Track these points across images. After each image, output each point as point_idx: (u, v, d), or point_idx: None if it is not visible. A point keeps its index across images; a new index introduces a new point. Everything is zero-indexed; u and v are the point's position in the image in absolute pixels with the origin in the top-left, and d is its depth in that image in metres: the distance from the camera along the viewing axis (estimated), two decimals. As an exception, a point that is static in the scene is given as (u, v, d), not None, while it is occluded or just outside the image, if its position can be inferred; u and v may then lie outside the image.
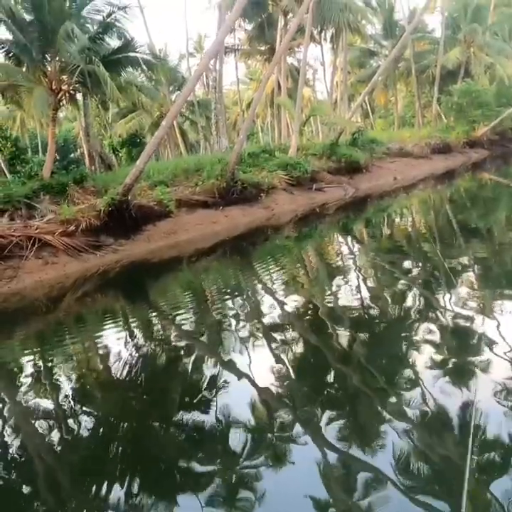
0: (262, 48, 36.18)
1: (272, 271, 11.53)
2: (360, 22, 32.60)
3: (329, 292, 9.38)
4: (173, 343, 7.74)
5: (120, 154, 38.97)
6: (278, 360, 6.38)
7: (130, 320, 9.37)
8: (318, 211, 18.35)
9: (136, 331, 8.68)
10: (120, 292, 11.45)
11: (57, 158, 31.95)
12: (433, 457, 4.13)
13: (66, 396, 6.23)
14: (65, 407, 5.95)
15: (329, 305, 8.56)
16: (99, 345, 7.95)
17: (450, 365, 5.64)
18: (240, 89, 44.04)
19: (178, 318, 8.84)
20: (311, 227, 16.72)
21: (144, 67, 17.45)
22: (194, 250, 14.19)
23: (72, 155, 39.79)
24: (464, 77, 35.06)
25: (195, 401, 5.61)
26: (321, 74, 69.72)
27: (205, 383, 6.00)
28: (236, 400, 5.42)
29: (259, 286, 10.45)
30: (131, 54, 17.63)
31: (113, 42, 18.12)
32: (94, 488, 4.36)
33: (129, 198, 13.47)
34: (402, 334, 6.80)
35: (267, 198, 17.81)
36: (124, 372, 6.67)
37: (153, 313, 9.62)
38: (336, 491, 3.88)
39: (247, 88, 48.43)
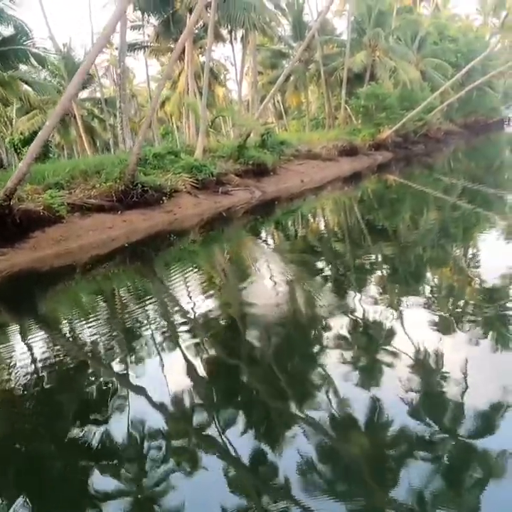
0: (172, 46, 35.29)
1: (174, 277, 10.95)
2: (269, 23, 32.54)
3: (238, 296, 9.05)
4: (67, 358, 7.01)
5: (23, 153, 36.70)
6: (186, 368, 6.10)
7: (12, 336, 8.42)
8: (225, 215, 17.88)
9: (19, 348, 7.72)
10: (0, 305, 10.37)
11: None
12: (341, 458, 4.22)
13: None
14: None
15: (239, 309, 8.29)
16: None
17: (359, 364, 5.68)
18: (151, 88, 42.78)
19: (69, 331, 8.17)
20: (217, 231, 16.23)
21: (34, 61, 16.18)
22: (89, 258, 13.26)
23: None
24: (370, 81, 35.96)
25: (97, 416, 5.28)
26: (234, 74, 69.47)
27: (106, 397, 5.64)
28: (142, 411, 5.20)
29: (162, 293, 9.86)
30: (21, 47, 16.32)
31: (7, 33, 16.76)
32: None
33: (12, 202, 12.33)
34: (313, 335, 6.82)
35: (170, 202, 17.08)
36: (12, 391, 6.02)
37: (40, 328, 8.68)
38: (250, 496, 3.91)
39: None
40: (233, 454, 4.31)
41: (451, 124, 50.60)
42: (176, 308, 8.65)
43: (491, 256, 9.66)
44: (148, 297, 9.69)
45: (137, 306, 9.03)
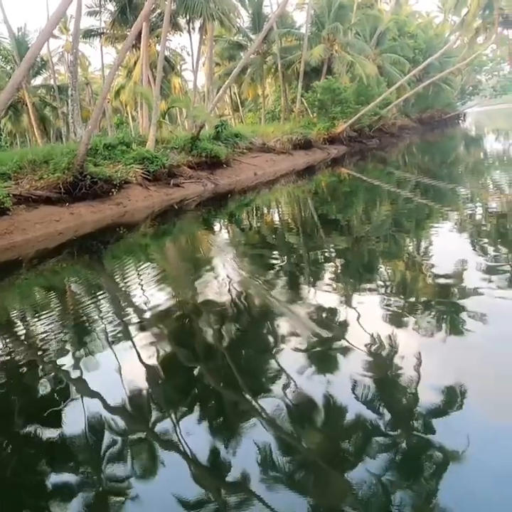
0: (128, 33, 34.67)
1: (123, 271, 10.81)
2: (227, 13, 32.37)
3: (190, 289, 8.94)
4: (12, 356, 6.86)
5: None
6: (138, 363, 6.00)
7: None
8: (177, 207, 17.83)
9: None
10: None
11: None
12: (298, 449, 4.21)
13: None
14: None
15: (191, 302, 8.21)
16: None
17: (314, 355, 5.69)
18: (106, 76, 42.03)
19: (12, 328, 8.02)
20: (169, 224, 16.13)
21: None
22: (35, 252, 13.03)
23: None
24: (327, 75, 36.21)
25: (46, 415, 5.12)
26: (191, 64, 68.57)
27: (55, 395, 5.56)
28: (93, 407, 5.08)
29: (110, 288, 9.71)
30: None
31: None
32: None
33: (-49, 194, 12.03)
34: (268, 327, 6.80)
35: (120, 194, 16.92)
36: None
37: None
38: (207, 489, 3.84)
39: (117, 75, 46.44)
40: (190, 447, 4.26)
41: (407, 119, 51.47)
42: (125, 303, 8.50)
43: (441, 248, 9.78)
44: (96, 292, 9.52)
45: (84, 302, 8.89)
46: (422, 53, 50.54)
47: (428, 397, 4.55)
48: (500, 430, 4.07)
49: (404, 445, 4.05)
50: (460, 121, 69.89)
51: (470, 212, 13.01)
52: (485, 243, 9.80)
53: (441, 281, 7.76)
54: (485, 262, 8.40)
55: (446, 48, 42.99)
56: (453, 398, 4.52)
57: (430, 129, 55.11)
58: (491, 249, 9.32)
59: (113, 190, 16.60)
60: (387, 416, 4.40)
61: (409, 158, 31.58)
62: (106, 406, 5.06)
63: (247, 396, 5.03)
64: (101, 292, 9.51)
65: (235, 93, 44.88)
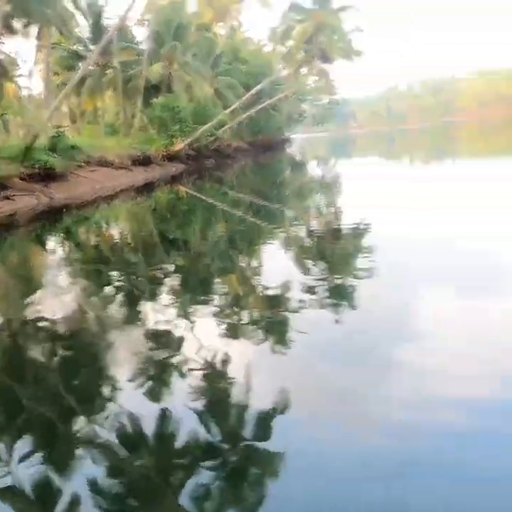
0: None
1: None
2: (65, 21, 31.43)
3: (20, 308, 8.69)
4: None
5: None
6: None
7: None
8: (7, 222, 17.00)
9: None
10: None
11: None
12: (131, 472, 4.09)
13: None
14: None
15: (21, 322, 7.99)
16: None
17: (148, 374, 5.69)
18: None
19: None
20: (-3, 241, 15.24)
21: None
22: None
23: None
24: (167, 92, 36.80)
25: None
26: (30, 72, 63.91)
27: None
28: None
29: None
30: None
31: None
32: None
33: None
34: (101, 347, 6.79)
35: None
36: None
37: None
38: None
39: None
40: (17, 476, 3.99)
41: (241, 142, 53.73)
42: None
43: (271, 264, 10.49)
44: None
45: None
46: (254, 79, 53.06)
47: (256, 406, 4.78)
48: (320, 441, 4.19)
49: (233, 460, 4.12)
50: (286, 146, 74.73)
51: (294, 231, 14.42)
52: (308, 258, 10.90)
53: (271, 294, 8.36)
54: (308, 276, 9.31)
55: (274, 77, 45.84)
56: (277, 407, 4.79)
57: (262, 151, 58.11)
58: (311, 264, 10.40)
59: None
60: (220, 433, 4.51)
61: (242, 180, 32.90)
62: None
63: (78, 420, 4.86)
64: None
65: (73, 104, 43.19)
